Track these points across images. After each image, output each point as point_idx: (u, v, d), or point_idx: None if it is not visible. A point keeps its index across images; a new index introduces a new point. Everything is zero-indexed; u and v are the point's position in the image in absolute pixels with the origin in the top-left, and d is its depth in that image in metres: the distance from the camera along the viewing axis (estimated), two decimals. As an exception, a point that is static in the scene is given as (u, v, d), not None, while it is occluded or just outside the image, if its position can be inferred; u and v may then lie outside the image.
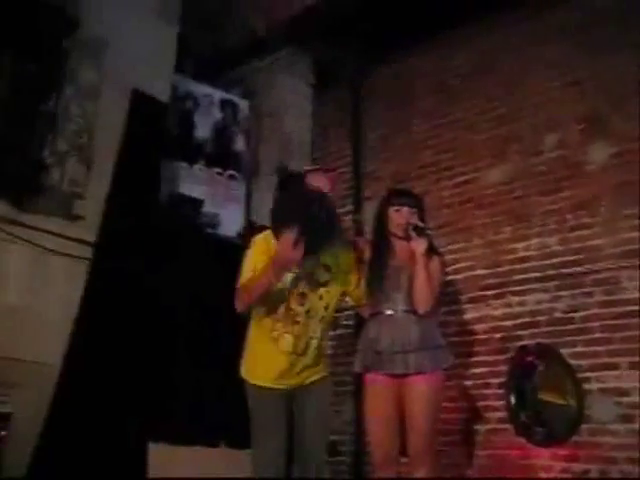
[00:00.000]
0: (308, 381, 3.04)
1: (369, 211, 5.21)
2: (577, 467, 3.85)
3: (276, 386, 2.98)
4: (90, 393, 3.62)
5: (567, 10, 4.53)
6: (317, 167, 3.42)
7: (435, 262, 3.24)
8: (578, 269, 4.11)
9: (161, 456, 3.89)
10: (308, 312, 2.99)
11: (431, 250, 3.22)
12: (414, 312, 3.14)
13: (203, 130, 4.89)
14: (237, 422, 4.10)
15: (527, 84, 4.62)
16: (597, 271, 4.04)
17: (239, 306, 2.95)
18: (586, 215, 4.17)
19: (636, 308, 3.86)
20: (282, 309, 2.96)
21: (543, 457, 3.96)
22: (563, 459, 3.90)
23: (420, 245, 3.14)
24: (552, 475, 3.90)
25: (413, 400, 3.07)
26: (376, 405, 3.15)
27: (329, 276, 3.04)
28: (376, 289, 3.20)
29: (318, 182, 3.10)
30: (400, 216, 3.25)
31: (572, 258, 4.15)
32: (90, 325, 3.73)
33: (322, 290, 3.02)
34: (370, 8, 4.71)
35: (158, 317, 4.12)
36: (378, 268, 3.22)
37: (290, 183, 3.27)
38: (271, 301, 2.95)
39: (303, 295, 2.99)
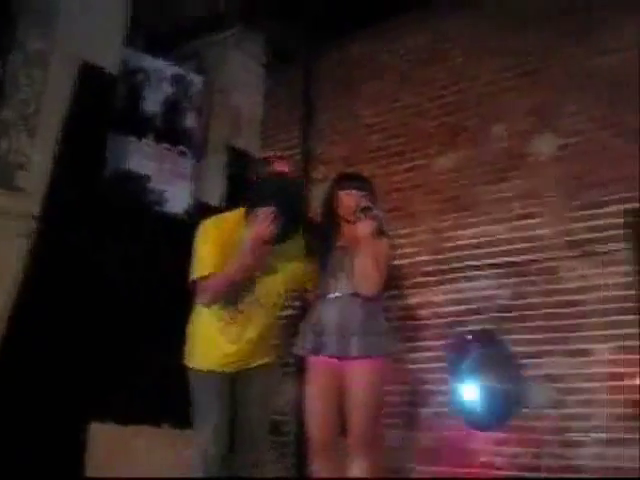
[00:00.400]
0: (253, 365, 3.03)
1: (318, 193, 5.21)
2: (509, 450, 3.96)
3: (219, 369, 2.97)
4: (31, 371, 3.53)
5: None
6: (278, 154, 3.37)
7: (382, 244, 3.19)
8: (522, 257, 4.20)
9: (103, 436, 3.84)
10: (257, 300, 2.98)
11: (380, 232, 3.19)
12: (359, 295, 3.11)
13: (153, 104, 4.77)
14: (180, 402, 4.16)
15: (477, 73, 4.67)
16: (540, 260, 4.14)
17: (205, 298, 2.91)
18: (532, 205, 4.26)
19: (574, 298, 3.97)
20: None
21: (481, 440, 4.05)
22: (497, 443, 4.01)
23: (366, 227, 3.10)
24: (486, 458, 4.00)
25: (355, 385, 3.00)
26: (316, 388, 3.09)
27: (279, 264, 3.03)
28: (322, 272, 3.18)
29: (283, 168, 3.08)
30: (350, 199, 3.22)
31: (516, 246, 4.24)
32: (32, 301, 3.63)
33: (272, 277, 3.01)
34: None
35: (102, 294, 4.04)
36: (325, 251, 3.20)
37: (259, 167, 3.22)
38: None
39: (252, 282, 2.97)
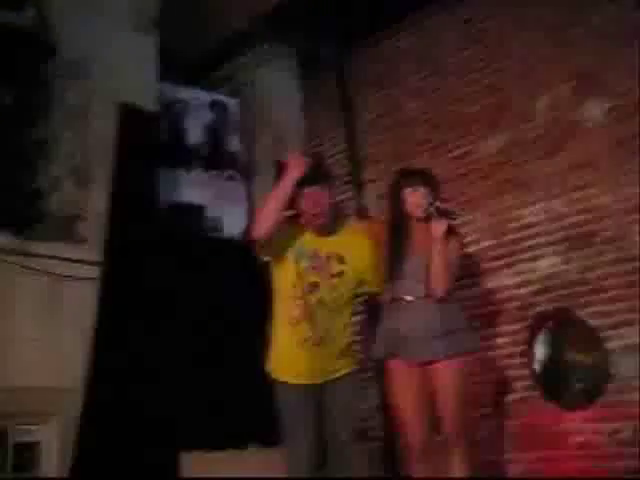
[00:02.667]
0: (334, 377, 3.04)
1: (370, 195, 5.21)
2: (607, 427, 3.85)
3: (302, 382, 2.99)
4: (115, 413, 3.63)
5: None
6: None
7: (453, 243, 3.17)
8: (586, 229, 4.09)
9: (194, 465, 3.90)
10: (320, 302, 2.99)
11: (449, 231, 3.14)
12: (433, 297, 3.10)
13: (195, 134, 4.86)
14: (263, 422, 4.20)
15: (512, 49, 4.57)
16: (605, 229, 4.02)
17: (256, 230, 2.97)
18: (587, 174, 4.14)
19: (647, 262, 3.84)
20: (297, 297, 2.99)
21: (573, 420, 3.96)
22: (593, 420, 3.90)
23: (440, 227, 3.07)
24: (583, 438, 3.90)
25: (442, 387, 3.06)
26: (404, 393, 3.11)
27: (343, 267, 3.05)
28: (395, 274, 3.15)
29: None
30: (418, 197, 3.16)
31: (579, 219, 4.13)
32: (107, 344, 3.73)
33: (335, 280, 3.03)
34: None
35: (175, 325, 4.12)
36: (397, 253, 3.15)
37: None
38: (280, 247, 3.01)
39: (315, 284, 3.00)
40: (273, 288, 3.14)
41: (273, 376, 3.08)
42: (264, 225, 2.92)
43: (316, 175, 3.15)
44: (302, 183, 3.03)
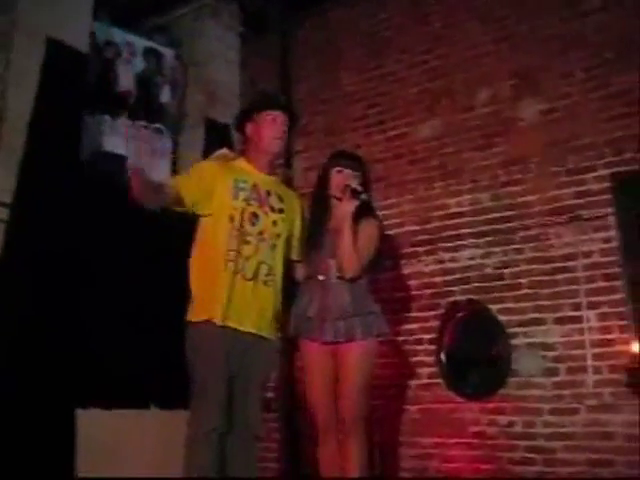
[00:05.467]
0: (261, 333, 2.87)
1: (298, 165, 5.14)
2: (503, 419, 3.96)
3: (229, 324, 2.77)
4: (12, 363, 3.46)
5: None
6: None
7: (371, 226, 3.16)
8: (509, 225, 4.15)
9: (90, 421, 3.79)
10: (260, 234, 2.89)
11: (369, 214, 3.16)
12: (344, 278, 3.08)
13: (126, 81, 4.64)
14: (167, 384, 4.12)
15: (459, 38, 4.57)
16: (527, 227, 4.09)
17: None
18: (516, 172, 4.19)
19: (562, 265, 3.94)
20: (235, 230, 2.84)
21: (472, 410, 4.05)
22: (490, 412, 4.00)
23: (348, 205, 3.06)
24: (479, 428, 4.00)
25: (345, 368, 3.04)
26: (312, 372, 3.12)
27: (283, 205, 2.99)
28: (311, 253, 3.14)
29: None
30: (341, 177, 3.16)
31: (502, 214, 4.18)
32: (9, 290, 3.54)
33: (275, 216, 2.95)
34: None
35: (81, 278, 3.95)
36: (315, 231, 3.14)
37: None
38: (210, 185, 2.89)
39: (255, 215, 2.89)
40: (202, 228, 2.94)
41: (194, 319, 2.82)
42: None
43: (279, 100, 3.13)
44: (263, 106, 2.98)
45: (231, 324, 2.79)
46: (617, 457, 3.59)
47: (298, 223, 3.12)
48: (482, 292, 4.16)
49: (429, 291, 4.36)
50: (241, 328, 2.82)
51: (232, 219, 2.85)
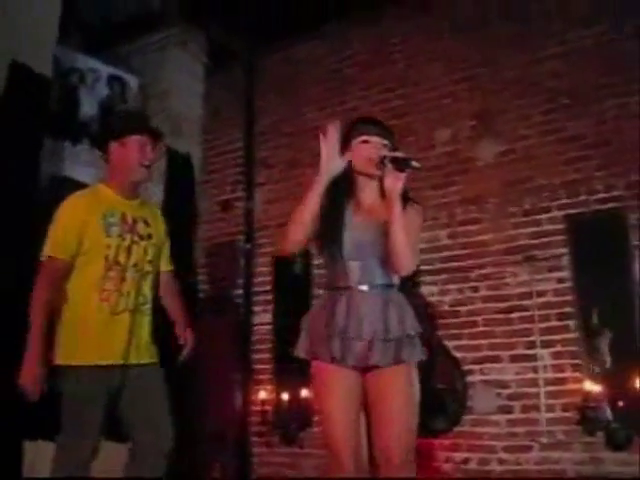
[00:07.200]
0: (141, 360, 2.79)
1: (261, 197, 5.16)
2: (459, 456, 3.98)
3: (104, 362, 2.69)
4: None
5: (462, 6, 4.60)
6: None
7: (416, 211, 2.47)
8: (464, 263, 4.22)
9: (37, 453, 3.68)
10: (135, 266, 2.82)
11: (407, 199, 2.42)
12: (390, 286, 2.42)
13: (88, 107, 4.61)
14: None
15: (421, 78, 4.68)
16: (482, 266, 4.16)
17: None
18: (474, 211, 4.28)
19: (517, 303, 4.01)
20: (110, 267, 2.75)
21: (428, 446, 4.06)
22: (446, 448, 4.02)
23: (396, 180, 2.28)
24: (436, 463, 4.01)
25: (391, 395, 2.35)
26: (337, 399, 2.39)
27: (150, 230, 2.91)
28: (331, 255, 2.43)
29: None
30: (369, 148, 2.41)
31: (459, 252, 4.25)
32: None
33: (144, 243, 2.87)
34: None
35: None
36: (335, 228, 2.40)
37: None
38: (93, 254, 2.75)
39: (128, 249, 2.81)
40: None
41: (64, 363, 2.70)
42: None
43: (147, 122, 2.98)
44: (131, 129, 2.83)
45: (111, 360, 2.73)
46: (569, 495, 3.64)
47: (164, 238, 3.03)
48: (440, 329, 4.20)
49: (386, 326, 4.38)
50: (122, 360, 2.76)
51: (107, 258, 2.77)
